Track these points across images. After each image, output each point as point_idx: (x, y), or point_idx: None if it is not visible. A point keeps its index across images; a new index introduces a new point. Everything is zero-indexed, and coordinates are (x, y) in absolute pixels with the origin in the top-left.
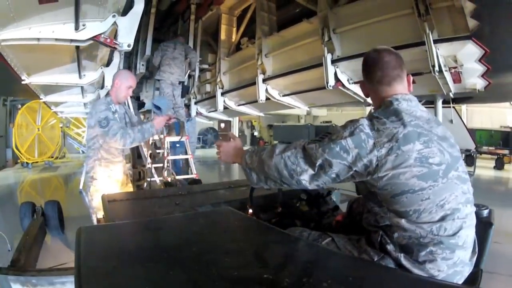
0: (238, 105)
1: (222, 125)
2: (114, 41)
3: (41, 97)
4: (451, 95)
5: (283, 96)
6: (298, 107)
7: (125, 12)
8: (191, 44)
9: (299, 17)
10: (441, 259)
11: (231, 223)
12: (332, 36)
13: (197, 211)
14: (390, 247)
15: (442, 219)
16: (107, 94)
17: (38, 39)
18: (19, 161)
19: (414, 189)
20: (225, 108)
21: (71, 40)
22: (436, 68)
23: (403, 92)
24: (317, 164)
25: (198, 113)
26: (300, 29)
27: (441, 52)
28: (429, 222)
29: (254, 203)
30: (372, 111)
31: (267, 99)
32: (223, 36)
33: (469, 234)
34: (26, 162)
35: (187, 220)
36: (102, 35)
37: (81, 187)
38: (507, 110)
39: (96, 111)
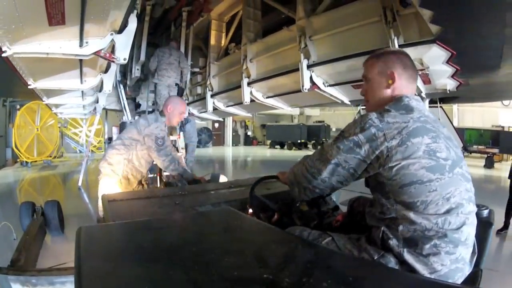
0: (227, 106)
1: (216, 125)
2: (112, 55)
3: (43, 100)
4: (423, 95)
5: (267, 98)
6: (281, 108)
7: (121, 30)
8: (182, 48)
9: (284, 24)
10: (445, 253)
11: (231, 223)
12: (308, 43)
13: (197, 211)
14: (392, 242)
15: (447, 212)
16: (162, 115)
17: (47, 53)
18: (18, 160)
19: (423, 180)
20: (215, 109)
21: (76, 55)
22: None
23: (412, 93)
24: (333, 162)
25: (190, 114)
26: (281, 36)
27: None
28: (435, 214)
29: (254, 203)
30: (362, 111)
31: (252, 100)
32: (212, 41)
33: (470, 232)
34: (26, 161)
35: (187, 220)
36: (102, 51)
37: (79, 184)
38: (499, 110)
39: (156, 127)
